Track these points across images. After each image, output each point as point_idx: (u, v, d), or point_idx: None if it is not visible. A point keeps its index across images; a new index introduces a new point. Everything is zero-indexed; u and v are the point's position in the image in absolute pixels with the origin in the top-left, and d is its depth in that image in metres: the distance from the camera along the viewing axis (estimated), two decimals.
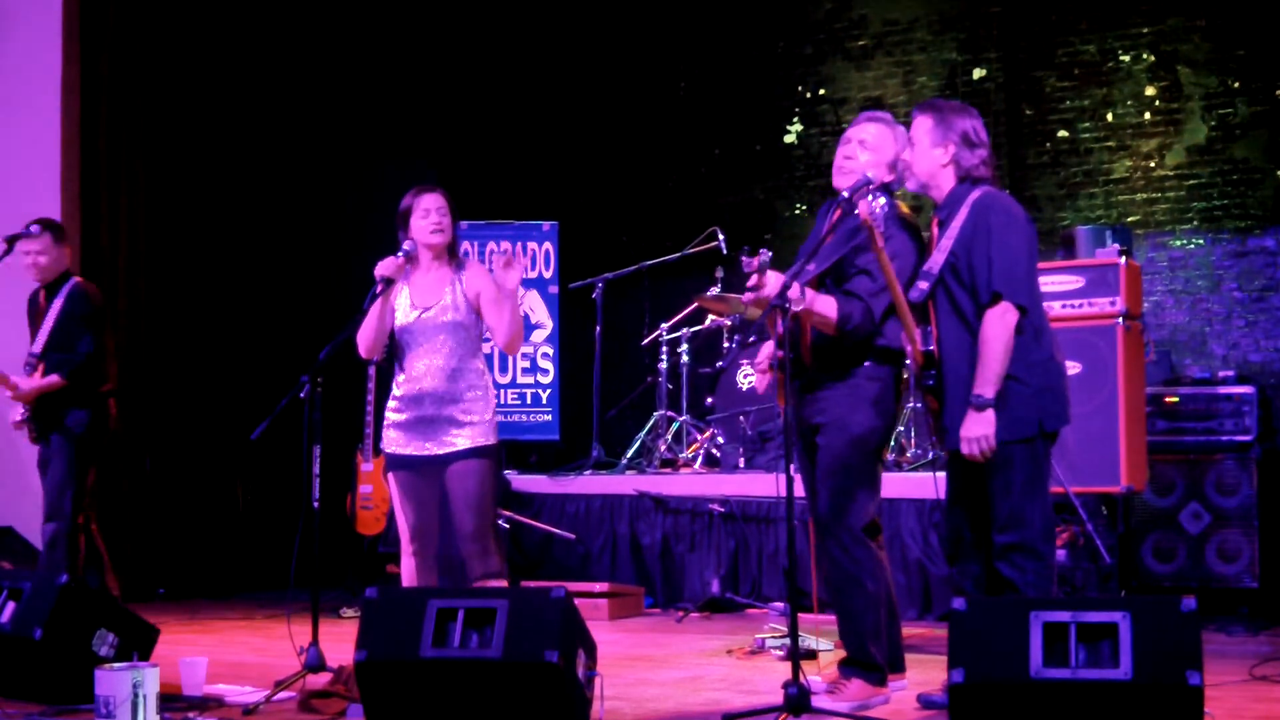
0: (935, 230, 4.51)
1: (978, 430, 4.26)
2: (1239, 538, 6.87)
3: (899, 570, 6.85)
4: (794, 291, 4.34)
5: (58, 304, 6.44)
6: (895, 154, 4.62)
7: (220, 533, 8.68)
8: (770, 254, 4.45)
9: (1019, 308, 4.27)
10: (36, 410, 6.37)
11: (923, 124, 4.52)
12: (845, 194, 4.43)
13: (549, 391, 9.30)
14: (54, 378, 6.35)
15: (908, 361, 4.61)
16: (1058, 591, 4.61)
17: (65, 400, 6.36)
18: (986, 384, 4.26)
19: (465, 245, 5.21)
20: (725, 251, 8.35)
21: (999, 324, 4.27)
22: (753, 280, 4.45)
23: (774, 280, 4.41)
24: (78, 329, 6.40)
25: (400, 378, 5.06)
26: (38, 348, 6.39)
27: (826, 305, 4.51)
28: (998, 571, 4.32)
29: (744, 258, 4.45)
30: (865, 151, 4.60)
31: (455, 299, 5.02)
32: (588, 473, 8.25)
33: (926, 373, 4.42)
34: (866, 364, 4.58)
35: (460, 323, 5.01)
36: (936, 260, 4.41)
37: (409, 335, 5.04)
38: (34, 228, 6.40)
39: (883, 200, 4.29)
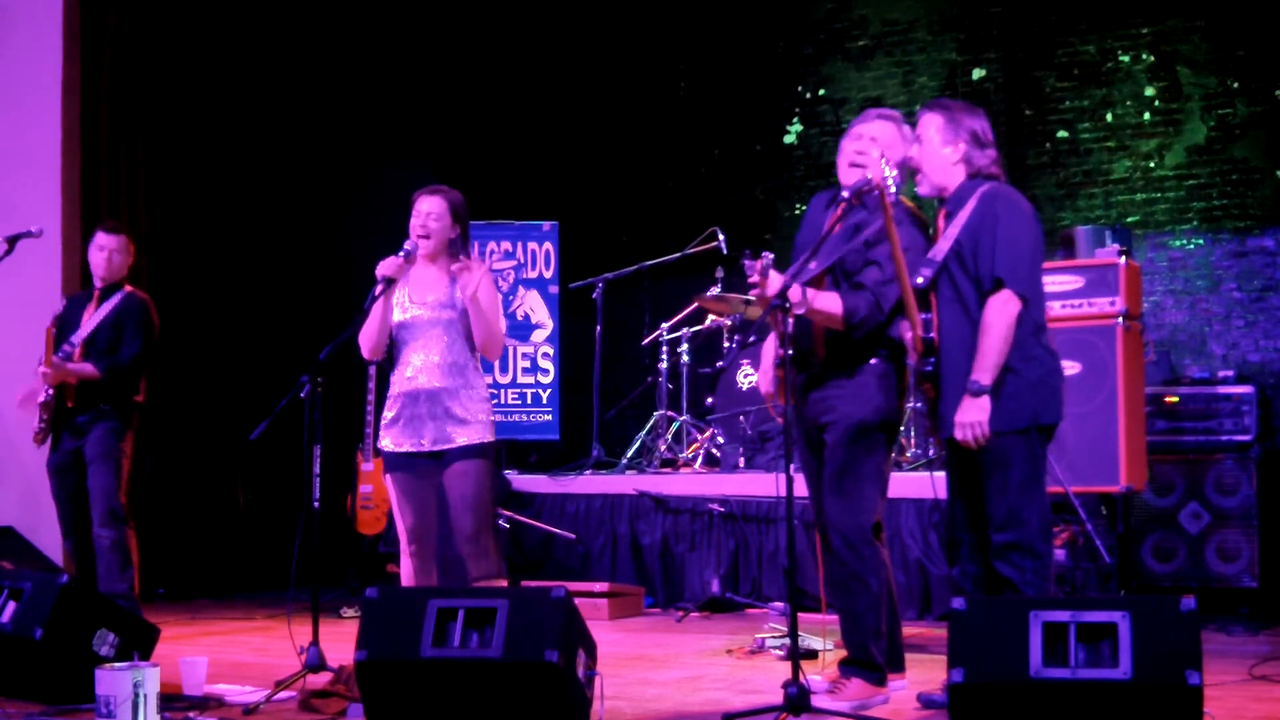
0: (942, 223, 4.50)
1: (972, 416, 4.25)
2: (1239, 538, 6.87)
3: (899, 570, 6.85)
4: (794, 293, 4.32)
5: (110, 304, 6.37)
6: (902, 155, 4.56)
7: (220, 533, 8.67)
8: (773, 256, 4.41)
9: (1020, 298, 4.27)
10: (60, 410, 6.26)
11: (932, 122, 4.49)
12: (846, 193, 4.41)
13: (549, 391, 9.30)
14: (90, 367, 6.24)
15: (909, 361, 4.61)
16: (1056, 590, 4.61)
17: (102, 407, 6.27)
18: (984, 371, 4.25)
19: None
20: (725, 251, 8.34)
21: (1001, 312, 4.26)
22: (754, 282, 4.44)
23: (776, 282, 4.39)
24: (129, 333, 6.32)
25: (396, 375, 5.05)
26: (78, 339, 6.26)
27: (829, 302, 4.49)
28: (996, 570, 4.32)
29: (746, 260, 4.43)
30: (877, 148, 4.48)
31: (453, 296, 5.01)
32: (588, 473, 8.25)
33: (926, 360, 4.42)
34: (874, 360, 4.57)
35: (456, 320, 4.99)
36: (941, 248, 4.39)
37: (406, 332, 5.03)
38: (36, 228, 6.35)
39: (894, 172, 4.26)
